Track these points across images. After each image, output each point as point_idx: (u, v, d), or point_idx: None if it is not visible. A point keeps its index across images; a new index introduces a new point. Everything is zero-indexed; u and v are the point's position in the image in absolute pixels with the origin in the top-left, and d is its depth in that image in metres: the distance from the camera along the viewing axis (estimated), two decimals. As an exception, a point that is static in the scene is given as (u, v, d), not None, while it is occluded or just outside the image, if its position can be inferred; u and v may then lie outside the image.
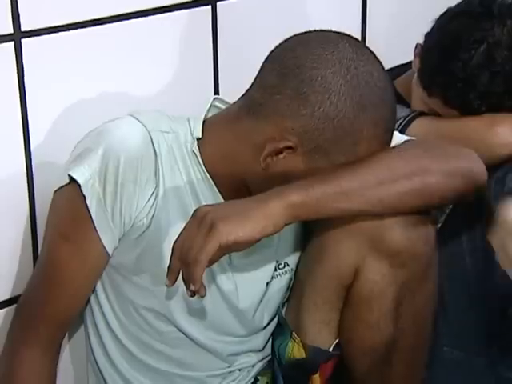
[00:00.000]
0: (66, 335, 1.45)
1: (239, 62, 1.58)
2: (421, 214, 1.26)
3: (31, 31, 1.31)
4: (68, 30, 1.36)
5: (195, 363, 1.41)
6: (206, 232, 1.16)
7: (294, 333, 1.38)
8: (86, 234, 1.28)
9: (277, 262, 1.39)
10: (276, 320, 1.44)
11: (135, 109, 1.33)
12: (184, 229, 1.18)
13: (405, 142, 1.32)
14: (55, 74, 1.36)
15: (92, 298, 1.38)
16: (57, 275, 1.31)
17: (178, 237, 1.18)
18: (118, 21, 1.42)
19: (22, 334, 1.34)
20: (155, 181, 1.28)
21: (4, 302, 1.39)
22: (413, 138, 1.37)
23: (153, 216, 1.28)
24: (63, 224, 1.31)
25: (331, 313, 1.36)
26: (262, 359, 1.46)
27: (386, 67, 1.28)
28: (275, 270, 1.39)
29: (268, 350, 1.45)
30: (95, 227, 1.27)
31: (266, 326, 1.43)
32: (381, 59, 1.25)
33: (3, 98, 1.31)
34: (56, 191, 1.30)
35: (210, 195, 1.31)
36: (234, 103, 1.32)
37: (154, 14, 1.47)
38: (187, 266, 1.16)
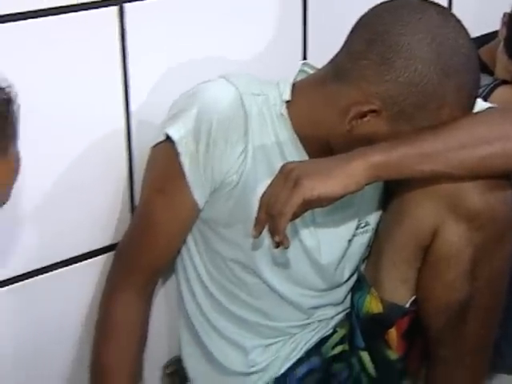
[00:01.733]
0: (160, 283, 1.51)
1: (328, 27, 1.59)
2: (500, 178, 1.26)
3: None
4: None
5: (277, 314, 1.45)
6: (291, 187, 1.19)
7: (372, 288, 1.40)
8: (179, 188, 1.32)
9: (358, 221, 1.41)
10: (356, 275, 1.46)
11: (229, 71, 1.36)
12: (271, 184, 1.22)
13: (487, 108, 1.32)
14: (155, 37, 1.39)
15: (183, 249, 1.42)
16: (151, 226, 1.36)
17: (265, 191, 1.22)
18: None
19: (118, 278, 1.41)
20: (245, 140, 1.31)
21: (104, 248, 1.45)
22: (495, 105, 1.37)
23: (242, 173, 1.32)
24: (158, 178, 1.36)
25: (409, 271, 1.37)
26: (341, 312, 1.49)
27: (472, 36, 1.27)
28: (356, 228, 1.42)
29: (347, 303, 1.48)
30: (188, 182, 1.31)
31: (346, 281, 1.45)
32: (467, 27, 1.25)
33: (106, 60, 1.35)
34: (152, 147, 1.34)
35: (296, 154, 1.33)
36: (322, 68, 1.33)
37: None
38: (272, 218, 1.19)
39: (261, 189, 1.25)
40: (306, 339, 1.48)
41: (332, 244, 1.41)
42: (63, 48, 1.29)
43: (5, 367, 1.40)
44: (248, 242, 1.34)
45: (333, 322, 1.50)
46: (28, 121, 1.27)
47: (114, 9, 1.34)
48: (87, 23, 1.31)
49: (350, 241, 1.41)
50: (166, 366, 1.63)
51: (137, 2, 1.36)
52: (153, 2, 1.38)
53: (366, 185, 1.21)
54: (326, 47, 1.35)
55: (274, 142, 1.34)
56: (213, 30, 1.47)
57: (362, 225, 1.43)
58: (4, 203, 1.03)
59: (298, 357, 1.47)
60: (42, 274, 1.39)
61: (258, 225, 1.23)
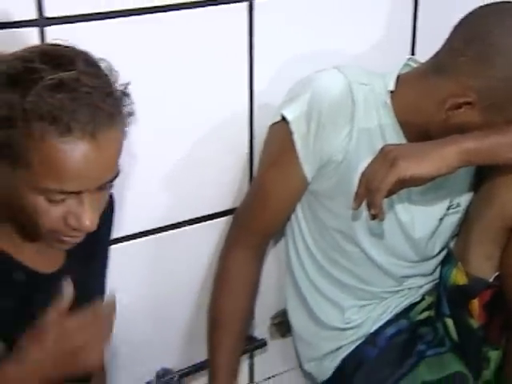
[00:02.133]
0: (271, 244, 1.60)
1: (437, 26, 1.61)
2: None
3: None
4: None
5: (372, 280, 1.51)
6: (388, 166, 1.25)
7: (459, 263, 1.46)
8: (291, 163, 1.40)
9: (450, 202, 1.47)
10: (445, 250, 1.52)
11: (341, 63, 1.45)
12: (371, 162, 1.28)
13: None
14: (278, 31, 1.49)
15: (293, 216, 1.51)
16: (264, 194, 1.45)
17: (365, 169, 1.29)
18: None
19: (235, 238, 1.51)
20: (351, 124, 1.37)
21: (225, 211, 1.56)
22: None
23: (346, 152, 1.38)
24: (273, 153, 1.45)
25: (494, 249, 1.43)
26: (430, 282, 1.56)
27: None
28: (448, 209, 1.48)
29: (436, 274, 1.55)
30: (298, 158, 1.39)
31: (436, 255, 1.52)
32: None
33: (235, 51, 1.46)
34: (270, 126, 1.44)
35: (395, 138, 1.39)
36: (424, 63, 1.40)
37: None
38: (370, 193, 1.26)
39: (362, 167, 1.31)
40: (396, 303, 1.54)
41: (425, 221, 1.47)
42: (197, 38, 1.41)
43: (135, 308, 1.52)
44: (349, 213, 1.41)
45: (422, 291, 1.56)
46: (168, 101, 1.38)
47: (245, 4, 1.44)
48: (220, 16, 1.42)
49: (441, 219, 1.48)
50: (274, 317, 1.71)
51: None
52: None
53: (458, 168, 1.27)
54: (433, 45, 1.39)
55: (377, 126, 1.40)
56: (329, 26, 1.55)
57: (454, 206, 1.49)
58: None
59: (388, 318, 1.53)
60: (171, 229, 1.51)
61: (358, 198, 1.29)
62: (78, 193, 1.02)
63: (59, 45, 1.05)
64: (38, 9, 1.26)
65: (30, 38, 1.25)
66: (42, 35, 1.27)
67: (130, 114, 1.06)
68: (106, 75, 1.04)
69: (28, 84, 0.97)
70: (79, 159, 0.99)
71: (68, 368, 1.03)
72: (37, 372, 1.02)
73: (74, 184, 1.01)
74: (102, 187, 1.05)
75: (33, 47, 1.04)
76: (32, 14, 1.26)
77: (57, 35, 1.21)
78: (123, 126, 1.05)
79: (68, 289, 1.03)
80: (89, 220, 1.04)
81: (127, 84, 1.06)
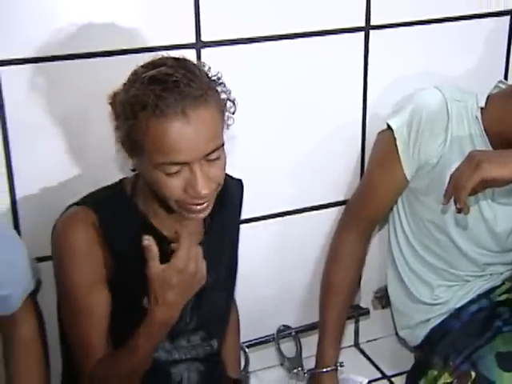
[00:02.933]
0: (376, 230, 1.72)
1: None
2: None
3: (378, 26, 1.57)
4: (410, 25, 1.61)
5: (458, 265, 1.60)
6: (473, 168, 1.31)
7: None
8: (394, 164, 1.52)
9: (529, 204, 1.58)
10: (524, 243, 1.62)
11: (441, 83, 1.54)
12: (459, 165, 1.36)
13: None
14: (389, 56, 1.61)
15: (394, 208, 1.64)
16: (371, 189, 1.58)
17: (455, 170, 1.37)
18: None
19: (346, 223, 1.64)
20: (445, 133, 1.48)
21: (338, 202, 1.68)
22: None
23: (440, 157, 1.48)
24: (379, 156, 1.58)
25: None
26: (510, 270, 1.65)
27: None
28: (527, 208, 1.58)
29: (516, 263, 1.66)
30: (400, 161, 1.51)
31: (515, 248, 1.63)
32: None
33: (352, 72, 1.60)
34: (378, 133, 1.59)
35: (483, 147, 1.49)
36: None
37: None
38: (456, 190, 1.34)
39: (453, 169, 1.40)
40: (479, 286, 1.62)
41: (506, 218, 1.56)
42: (319, 60, 1.57)
43: (263, 275, 1.67)
44: (440, 207, 1.52)
45: (502, 277, 1.66)
46: (297, 109, 1.55)
47: (361, 34, 1.59)
48: (339, 41, 1.56)
49: (521, 217, 1.51)
50: (376, 292, 1.83)
51: (380, 30, 1.59)
52: (391, 31, 1.60)
53: None
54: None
55: (468, 136, 1.50)
56: (432, 51, 1.67)
57: (534, 207, 1.53)
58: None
59: (471, 297, 1.61)
60: (294, 214, 1.66)
61: (447, 195, 1.38)
62: (188, 164, 1.12)
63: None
64: (197, 35, 1.44)
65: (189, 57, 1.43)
66: (199, 55, 1.45)
67: (229, 99, 1.16)
68: (192, 65, 1.13)
69: (130, 84, 1.12)
70: (176, 134, 1.10)
71: (190, 292, 1.14)
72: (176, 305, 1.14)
73: (178, 155, 1.11)
74: (209, 159, 1.14)
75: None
76: (191, 39, 1.44)
77: (210, 55, 1.41)
78: (215, 105, 1.13)
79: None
80: (202, 186, 1.12)
81: (218, 72, 1.16)
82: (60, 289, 1.28)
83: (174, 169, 1.12)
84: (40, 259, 1.39)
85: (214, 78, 1.16)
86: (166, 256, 1.16)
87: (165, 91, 1.08)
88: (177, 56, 1.16)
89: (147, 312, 1.12)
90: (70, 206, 1.25)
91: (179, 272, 1.10)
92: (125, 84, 1.13)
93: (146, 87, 1.08)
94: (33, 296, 1.36)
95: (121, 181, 1.28)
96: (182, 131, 1.09)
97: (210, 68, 1.16)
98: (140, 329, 1.13)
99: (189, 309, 1.28)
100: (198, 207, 1.17)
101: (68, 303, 1.25)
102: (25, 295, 1.31)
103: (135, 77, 1.12)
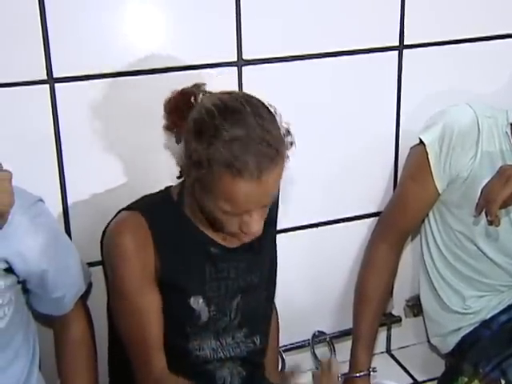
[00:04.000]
0: (409, 240, 1.75)
1: None
2: None
3: (412, 45, 1.62)
4: (442, 44, 1.65)
5: (489, 274, 1.62)
6: (504, 182, 1.35)
7: None
8: (426, 178, 1.55)
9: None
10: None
11: (472, 100, 1.58)
12: (490, 179, 1.40)
13: None
14: (423, 73, 1.66)
15: (426, 220, 1.68)
16: (404, 201, 1.62)
17: (486, 184, 1.40)
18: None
19: (379, 233, 1.68)
20: (476, 148, 1.51)
21: (371, 213, 1.72)
22: None
23: (471, 171, 1.52)
24: (412, 169, 1.61)
25: None
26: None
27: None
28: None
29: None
30: (432, 175, 1.54)
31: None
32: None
33: (386, 88, 1.65)
34: (411, 148, 1.62)
35: (514, 162, 1.55)
36: None
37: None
38: (488, 203, 1.38)
39: (483, 183, 1.44)
40: (511, 296, 1.63)
41: (536, 230, 1.56)
42: (356, 77, 1.62)
43: (298, 283, 1.71)
44: (471, 219, 1.56)
45: None
46: (333, 124, 1.59)
47: (395, 53, 1.64)
48: (374, 61, 1.62)
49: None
50: (408, 300, 1.86)
51: (413, 49, 1.64)
52: (424, 50, 1.65)
53: None
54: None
55: (498, 151, 1.53)
56: (462, 69, 1.71)
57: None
58: None
59: (502, 308, 1.62)
60: (326, 225, 1.71)
61: (479, 207, 1.42)
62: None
63: (237, 96, 1.17)
64: (239, 53, 1.50)
65: (231, 75, 1.50)
66: (240, 73, 1.51)
67: (292, 144, 1.20)
68: (269, 115, 1.16)
69: (210, 139, 1.14)
70: (247, 193, 1.15)
71: None
72: None
73: (242, 208, 1.18)
74: (265, 205, 1.22)
75: (217, 96, 1.19)
76: (233, 57, 1.51)
77: (251, 73, 1.49)
78: (283, 160, 1.18)
79: None
80: (256, 228, 1.22)
81: (289, 124, 1.20)
82: (112, 291, 1.33)
83: (236, 215, 1.20)
84: (89, 264, 1.44)
85: (285, 129, 1.18)
86: (210, 258, 1.27)
87: (245, 154, 1.10)
88: (251, 97, 1.16)
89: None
90: (120, 211, 1.31)
91: None
92: (197, 122, 1.13)
93: (227, 146, 1.10)
94: (83, 299, 1.43)
95: (167, 188, 1.35)
96: (253, 191, 1.14)
97: (280, 116, 1.18)
98: None
99: (234, 306, 1.34)
100: (246, 240, 1.25)
101: (120, 305, 1.29)
102: (77, 298, 1.38)
103: (214, 130, 1.10)
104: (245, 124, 1.14)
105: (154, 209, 1.29)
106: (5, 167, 1.15)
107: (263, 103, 1.19)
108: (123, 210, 1.31)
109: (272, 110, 1.19)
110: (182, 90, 1.23)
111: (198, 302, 1.30)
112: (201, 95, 1.21)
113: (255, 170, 1.12)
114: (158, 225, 1.27)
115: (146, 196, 1.35)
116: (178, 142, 1.24)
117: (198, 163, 1.14)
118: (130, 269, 1.26)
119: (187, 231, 1.29)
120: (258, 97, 1.20)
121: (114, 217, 1.32)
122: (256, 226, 1.20)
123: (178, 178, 1.30)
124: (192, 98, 1.20)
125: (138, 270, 1.26)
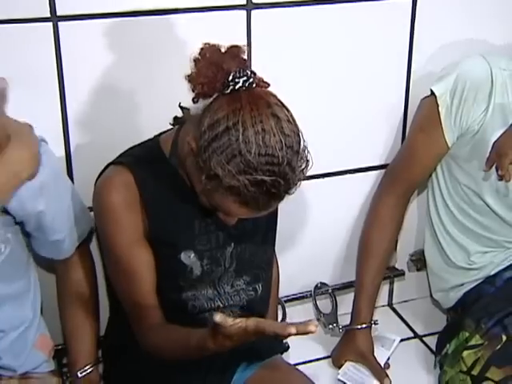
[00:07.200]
0: (415, 194, 1.71)
1: None
2: None
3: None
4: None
5: (496, 230, 1.58)
6: None
7: None
8: (435, 130, 1.51)
9: None
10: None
11: (487, 51, 1.54)
12: (503, 132, 1.37)
13: None
14: (438, 21, 1.60)
15: (433, 174, 1.63)
16: (412, 153, 1.57)
17: (498, 138, 1.38)
18: None
19: (386, 186, 1.64)
20: (488, 101, 1.47)
21: (379, 166, 1.69)
22: None
23: (482, 124, 1.47)
24: (422, 121, 1.57)
25: None
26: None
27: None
28: None
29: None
30: (442, 127, 1.50)
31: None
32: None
33: (398, 37, 1.60)
34: (422, 99, 1.57)
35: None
36: None
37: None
38: (499, 157, 1.35)
39: (494, 136, 1.41)
40: (516, 253, 1.65)
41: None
42: (366, 25, 1.56)
43: (303, 233, 1.68)
44: (480, 174, 1.51)
45: None
46: (344, 74, 1.56)
47: (409, 0, 1.57)
48: (386, 9, 1.55)
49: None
50: (412, 254, 1.84)
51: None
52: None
53: None
54: None
55: (511, 104, 1.47)
56: (479, 19, 1.63)
57: None
58: None
59: (507, 264, 1.59)
60: (334, 175, 1.67)
61: (489, 161, 1.39)
62: None
63: (282, 145, 1.07)
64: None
65: (240, 18, 1.44)
66: (249, 17, 1.45)
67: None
68: (299, 157, 1.10)
69: (233, 164, 1.06)
70: (244, 214, 1.14)
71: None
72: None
73: (233, 216, 1.17)
74: None
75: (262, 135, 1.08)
76: (242, 0, 1.44)
77: (259, 17, 1.43)
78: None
79: None
80: (234, 222, 1.20)
81: (309, 152, 1.12)
82: (103, 248, 1.33)
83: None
84: (91, 209, 1.39)
85: (308, 164, 1.13)
86: (199, 212, 1.23)
87: (262, 195, 1.07)
88: (289, 152, 1.07)
89: (202, 340, 1.08)
90: (108, 164, 1.28)
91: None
92: (228, 145, 1.05)
93: (250, 186, 1.06)
94: (85, 244, 1.40)
95: (157, 138, 1.29)
96: (251, 215, 1.13)
97: (308, 151, 1.12)
98: (193, 341, 1.11)
99: (228, 255, 1.32)
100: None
101: (112, 262, 1.28)
102: (78, 242, 1.35)
103: (244, 164, 1.04)
104: (274, 173, 1.07)
105: (142, 163, 1.25)
106: (7, 107, 1.11)
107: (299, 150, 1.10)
108: (111, 163, 1.27)
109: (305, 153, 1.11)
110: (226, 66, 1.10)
111: (189, 257, 1.28)
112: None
113: (262, 206, 1.11)
114: (146, 181, 1.24)
115: (134, 147, 1.30)
116: (195, 101, 1.14)
117: (214, 177, 1.08)
118: (119, 228, 1.24)
119: (176, 187, 1.25)
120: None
121: (103, 170, 1.28)
122: (234, 221, 1.19)
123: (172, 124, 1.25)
124: (230, 77, 1.07)
125: (128, 229, 1.24)
